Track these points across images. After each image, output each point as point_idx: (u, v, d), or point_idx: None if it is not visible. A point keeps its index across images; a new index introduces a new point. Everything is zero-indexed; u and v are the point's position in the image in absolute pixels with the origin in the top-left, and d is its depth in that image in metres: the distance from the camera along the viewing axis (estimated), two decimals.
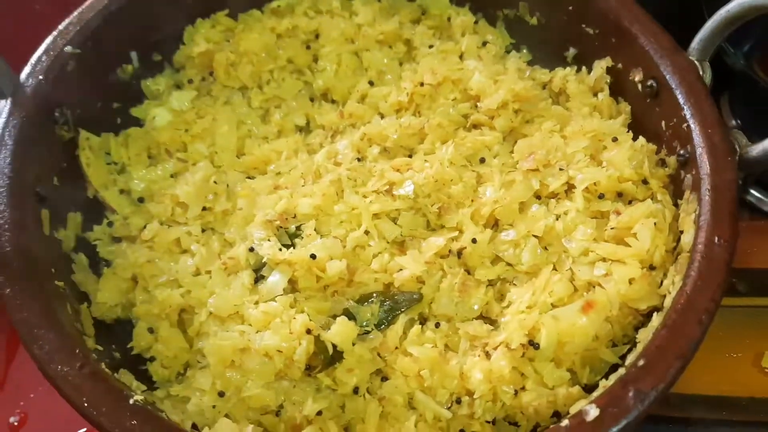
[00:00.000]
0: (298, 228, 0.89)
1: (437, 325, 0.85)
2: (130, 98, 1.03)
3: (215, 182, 0.95)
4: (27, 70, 0.89)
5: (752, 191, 1.16)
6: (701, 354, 0.97)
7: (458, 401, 0.79)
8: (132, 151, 0.99)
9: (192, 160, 0.99)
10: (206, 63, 1.05)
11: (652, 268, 0.82)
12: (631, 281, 0.80)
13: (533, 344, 0.79)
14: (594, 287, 0.83)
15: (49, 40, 0.92)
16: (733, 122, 1.22)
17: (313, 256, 0.83)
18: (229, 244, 0.92)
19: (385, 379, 0.82)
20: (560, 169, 0.91)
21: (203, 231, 0.93)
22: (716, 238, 0.75)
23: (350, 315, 0.84)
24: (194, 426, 0.76)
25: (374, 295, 0.85)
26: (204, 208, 0.93)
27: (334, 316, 0.83)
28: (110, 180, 0.96)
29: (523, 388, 0.79)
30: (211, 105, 1.05)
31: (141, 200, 0.96)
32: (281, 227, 0.89)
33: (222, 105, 1.05)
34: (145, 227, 0.92)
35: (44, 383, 0.70)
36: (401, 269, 0.86)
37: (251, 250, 0.87)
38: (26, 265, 0.77)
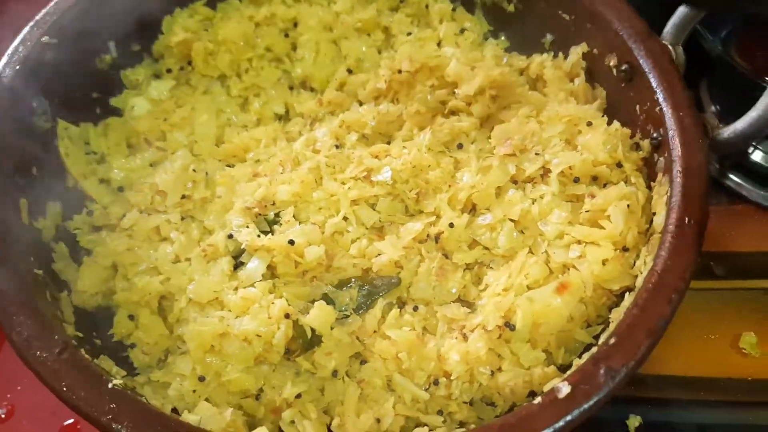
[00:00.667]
0: (276, 215, 0.90)
1: (415, 308, 0.86)
2: (109, 88, 1.03)
3: (194, 170, 0.95)
4: (4, 60, 0.89)
5: (731, 176, 1.17)
6: (680, 335, 1.00)
7: (436, 383, 0.80)
8: (111, 141, 0.99)
9: (171, 149, 0.99)
10: (184, 52, 1.05)
11: (625, 249, 0.83)
12: (604, 262, 0.82)
13: (509, 326, 0.80)
14: (569, 269, 0.84)
15: (25, 30, 0.92)
16: (713, 108, 1.23)
17: (291, 242, 0.84)
18: (209, 231, 0.92)
19: (363, 362, 0.83)
20: (536, 154, 0.92)
21: (183, 219, 0.94)
22: (687, 219, 0.76)
23: (329, 300, 0.84)
24: (174, 410, 0.77)
25: (353, 280, 0.86)
26: (183, 197, 0.94)
27: (313, 301, 0.84)
28: (89, 170, 0.96)
29: (499, 369, 0.80)
30: (190, 94, 1.05)
31: (121, 189, 0.96)
32: (260, 214, 0.89)
33: (201, 94, 1.05)
34: (124, 216, 0.92)
35: (32, 375, 0.71)
36: (379, 254, 0.87)
37: (230, 237, 0.88)
38: (4, 255, 0.78)
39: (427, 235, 0.89)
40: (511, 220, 0.88)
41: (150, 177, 0.95)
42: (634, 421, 0.94)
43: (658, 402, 0.97)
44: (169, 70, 1.07)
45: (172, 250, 0.89)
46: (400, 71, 1.00)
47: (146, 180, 0.95)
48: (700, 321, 1.03)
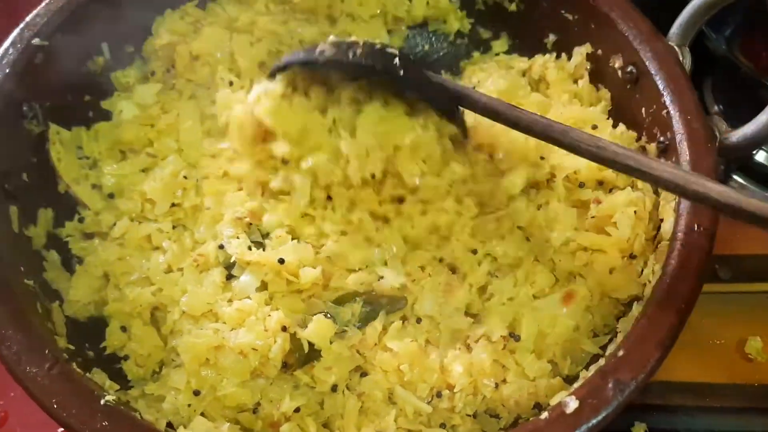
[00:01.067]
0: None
1: (418, 320, 0.83)
2: (102, 91, 0.99)
3: (185, 177, 0.92)
4: None
5: (735, 177, 1.16)
6: (684, 341, 0.97)
7: (439, 395, 0.79)
8: (102, 146, 0.95)
9: (161, 155, 0.96)
10: (169, 56, 1.01)
11: (632, 257, 0.81)
12: (611, 271, 0.80)
13: (514, 336, 0.79)
14: (575, 277, 0.82)
15: (16, 32, 0.89)
16: (716, 108, 1.21)
17: (281, 261, 0.81)
18: (200, 242, 0.89)
19: (364, 374, 0.81)
20: (541, 158, 0.90)
21: (174, 227, 0.90)
22: (696, 226, 0.74)
23: (329, 315, 0.82)
24: (169, 425, 0.75)
25: (356, 297, 0.83)
26: (173, 205, 0.91)
27: (313, 314, 0.81)
28: (82, 175, 0.93)
29: (504, 381, 0.79)
30: (176, 99, 1.01)
31: (111, 196, 0.93)
32: (251, 224, 0.87)
33: (187, 99, 1.01)
34: (115, 224, 0.89)
35: None
36: (381, 278, 0.83)
37: (221, 247, 0.85)
38: None
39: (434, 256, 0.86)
40: (519, 228, 0.86)
41: (141, 184, 0.92)
42: (639, 429, 0.92)
43: (663, 409, 0.96)
44: (152, 73, 1.02)
45: (165, 260, 0.86)
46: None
47: (136, 187, 0.92)
48: (705, 326, 1.01)
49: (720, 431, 0.94)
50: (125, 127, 0.97)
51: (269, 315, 0.79)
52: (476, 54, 1.12)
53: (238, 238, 0.85)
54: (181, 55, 1.01)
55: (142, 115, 0.98)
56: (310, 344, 0.78)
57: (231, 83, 1.00)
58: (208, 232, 0.89)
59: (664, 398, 0.96)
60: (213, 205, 0.91)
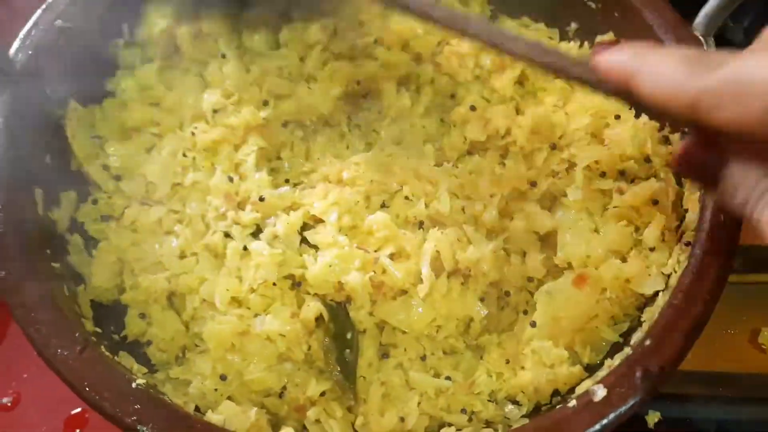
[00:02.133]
0: None
1: None
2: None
3: (184, 155, 0.89)
4: (16, 45, 0.85)
5: None
6: None
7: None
8: (111, 125, 0.93)
9: (165, 133, 0.93)
10: (170, 39, 0.97)
11: (651, 249, 0.82)
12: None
13: (531, 323, 0.79)
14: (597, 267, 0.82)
15: (38, 13, 0.87)
16: None
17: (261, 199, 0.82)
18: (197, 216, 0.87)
19: (385, 356, 0.82)
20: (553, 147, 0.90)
21: (185, 206, 0.88)
22: (722, 217, 0.74)
23: None
24: (197, 408, 0.75)
25: None
26: (176, 184, 0.89)
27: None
28: (93, 154, 0.91)
29: (522, 368, 0.79)
30: (179, 77, 0.97)
31: (117, 178, 0.91)
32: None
33: (193, 76, 0.97)
34: (126, 208, 0.88)
35: (37, 363, 0.69)
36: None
37: (227, 235, 0.84)
38: (21, 247, 0.75)
39: None
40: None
41: (142, 166, 0.89)
42: (653, 417, 0.93)
43: (676, 397, 0.97)
44: (151, 59, 0.98)
45: (177, 245, 0.84)
46: None
47: (138, 169, 0.89)
48: (718, 316, 1.00)
49: (733, 420, 0.95)
50: (130, 108, 0.94)
51: (304, 303, 0.79)
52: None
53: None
54: (183, 36, 0.96)
55: (146, 94, 0.95)
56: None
57: (223, 56, 0.97)
58: (199, 208, 0.87)
59: (675, 387, 0.97)
60: (204, 179, 0.88)
